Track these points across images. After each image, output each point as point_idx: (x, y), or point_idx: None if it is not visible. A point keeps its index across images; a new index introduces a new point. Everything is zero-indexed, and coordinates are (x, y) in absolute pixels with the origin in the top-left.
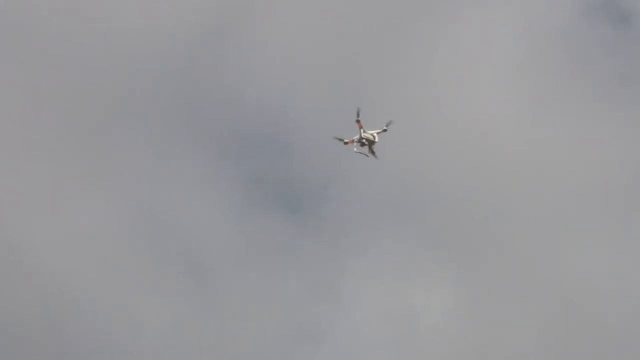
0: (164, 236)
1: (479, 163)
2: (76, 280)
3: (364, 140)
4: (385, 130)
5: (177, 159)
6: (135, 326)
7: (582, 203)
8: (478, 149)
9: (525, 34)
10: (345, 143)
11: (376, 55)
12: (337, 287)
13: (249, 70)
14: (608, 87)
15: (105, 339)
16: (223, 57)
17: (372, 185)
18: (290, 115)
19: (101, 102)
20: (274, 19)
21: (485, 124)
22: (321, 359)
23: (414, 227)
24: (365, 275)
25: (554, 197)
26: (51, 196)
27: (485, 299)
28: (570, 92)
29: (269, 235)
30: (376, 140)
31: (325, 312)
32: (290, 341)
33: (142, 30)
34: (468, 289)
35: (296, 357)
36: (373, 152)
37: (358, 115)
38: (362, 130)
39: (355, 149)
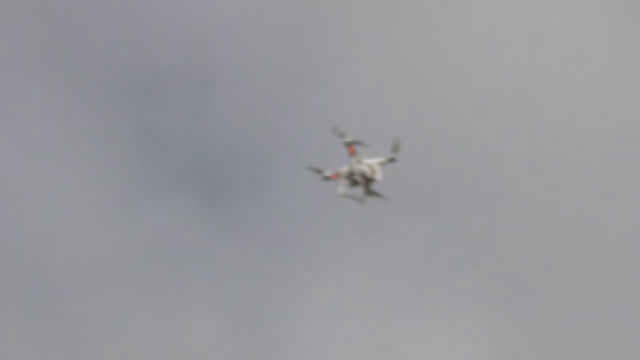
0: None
1: None
2: None
3: (355, 177)
4: (392, 160)
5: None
6: None
7: None
8: None
9: None
10: (326, 178)
11: None
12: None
13: None
14: None
15: None
16: None
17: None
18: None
19: None
20: None
21: None
22: None
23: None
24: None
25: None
26: None
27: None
28: None
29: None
30: (377, 177)
31: None
32: None
33: None
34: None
35: None
36: (371, 193)
37: (343, 135)
38: (354, 158)
39: (341, 190)
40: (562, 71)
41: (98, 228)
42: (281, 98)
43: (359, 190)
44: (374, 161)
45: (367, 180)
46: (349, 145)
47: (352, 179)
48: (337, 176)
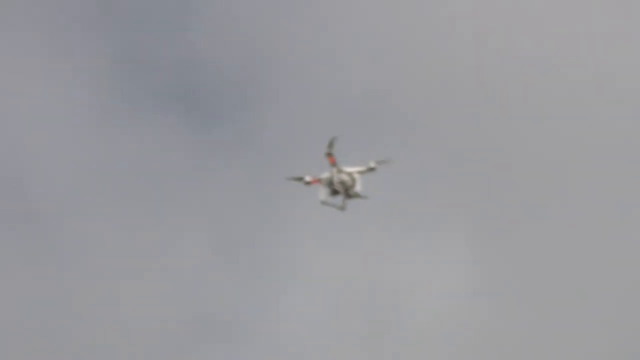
0: None
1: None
2: None
3: (335, 187)
4: (372, 170)
5: None
6: None
7: None
8: None
9: None
10: (307, 183)
11: None
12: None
13: None
14: None
15: None
16: None
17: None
18: None
19: None
20: None
21: None
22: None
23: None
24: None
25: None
26: None
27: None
28: None
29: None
30: (357, 185)
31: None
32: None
33: None
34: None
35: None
36: (352, 196)
37: (331, 146)
38: (335, 168)
39: (321, 197)
40: None
41: (81, 148)
42: (272, 10)
43: (339, 198)
44: (354, 170)
45: (347, 188)
46: (329, 155)
47: (332, 188)
48: (317, 181)
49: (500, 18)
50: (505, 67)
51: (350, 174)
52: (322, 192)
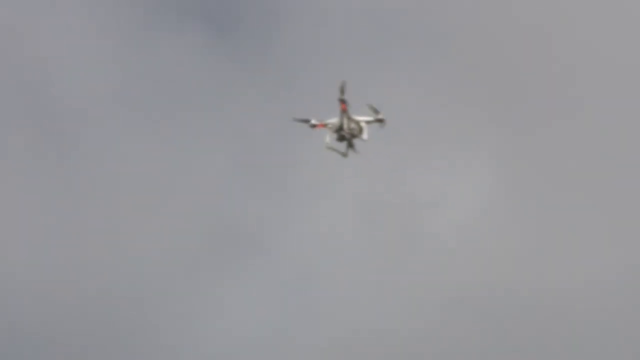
0: None
1: None
2: None
3: (344, 132)
4: (381, 121)
5: None
6: None
7: None
8: None
9: None
10: (313, 126)
11: None
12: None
13: None
14: None
15: None
16: None
17: None
18: None
19: None
20: None
21: None
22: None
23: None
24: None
25: None
26: None
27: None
28: None
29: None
30: (365, 135)
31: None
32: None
33: None
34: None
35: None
36: (351, 146)
37: (342, 92)
38: (345, 115)
39: (327, 140)
40: None
41: (104, 62)
42: None
43: (342, 145)
44: (363, 119)
45: (352, 136)
46: (342, 102)
47: (340, 134)
48: (323, 126)
49: None
50: None
51: (358, 123)
52: (328, 137)
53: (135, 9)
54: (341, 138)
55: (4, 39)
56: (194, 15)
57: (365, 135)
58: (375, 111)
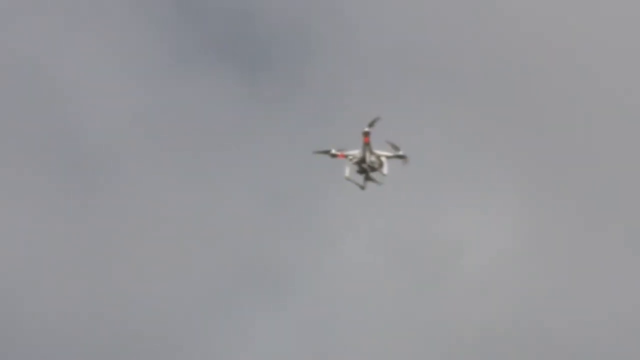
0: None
1: None
2: None
3: (365, 166)
4: (402, 157)
5: None
6: None
7: None
8: None
9: None
10: (334, 155)
11: None
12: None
13: None
14: None
15: None
16: None
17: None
18: None
19: None
20: None
21: None
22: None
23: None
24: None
25: None
26: None
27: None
28: None
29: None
30: (385, 170)
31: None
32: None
33: None
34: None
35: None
36: (371, 179)
37: (371, 125)
38: (367, 148)
39: (347, 172)
40: None
41: (131, 99)
42: None
43: (361, 177)
44: (384, 153)
45: (372, 170)
46: (366, 134)
47: (361, 167)
48: (344, 156)
49: None
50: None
51: (379, 157)
52: (348, 169)
53: (164, 46)
54: (362, 171)
55: (28, 73)
56: (223, 53)
57: (385, 170)
58: (395, 147)
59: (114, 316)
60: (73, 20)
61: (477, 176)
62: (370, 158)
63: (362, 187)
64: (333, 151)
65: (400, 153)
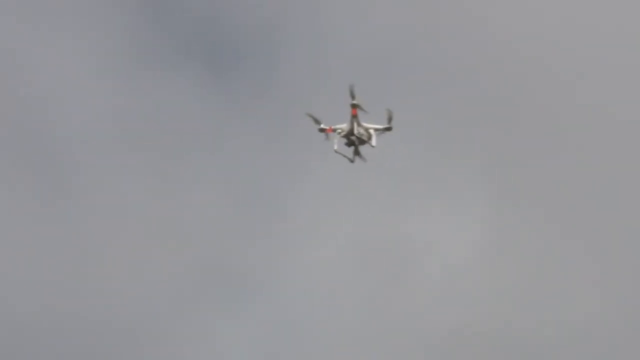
0: None
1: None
2: None
3: (353, 138)
4: (389, 130)
5: None
6: None
7: None
8: None
9: None
10: (322, 130)
11: None
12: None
13: None
14: None
15: None
16: None
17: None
18: None
19: None
20: None
21: None
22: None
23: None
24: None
25: None
26: None
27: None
28: None
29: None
30: (373, 142)
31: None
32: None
33: None
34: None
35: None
36: (359, 153)
37: (353, 96)
38: (355, 121)
39: (335, 146)
40: None
41: (100, 102)
42: None
43: (350, 150)
44: (372, 127)
45: (361, 142)
46: (354, 107)
47: (349, 139)
48: (331, 130)
49: None
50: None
51: (367, 129)
52: (337, 142)
53: (132, 48)
54: (350, 143)
55: None
56: (192, 54)
57: (373, 142)
58: (390, 119)
59: (73, 315)
60: (41, 19)
61: (445, 179)
62: (358, 130)
63: (351, 160)
64: (322, 125)
65: (389, 126)
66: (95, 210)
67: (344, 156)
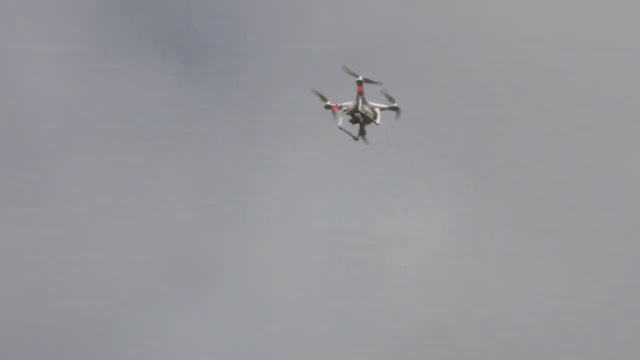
0: None
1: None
2: None
3: (358, 115)
4: (395, 109)
5: None
6: None
7: None
8: None
9: None
10: (328, 107)
11: None
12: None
13: None
14: None
15: None
16: None
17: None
18: None
19: None
20: None
21: None
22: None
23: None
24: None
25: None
26: None
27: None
28: None
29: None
30: (378, 120)
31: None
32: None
33: None
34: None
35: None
36: (364, 133)
37: (354, 73)
38: (360, 98)
39: (340, 122)
40: None
41: (72, 88)
42: None
43: (355, 128)
44: (378, 105)
45: (366, 120)
46: (360, 83)
47: (355, 116)
48: (337, 108)
49: None
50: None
51: (373, 108)
52: (342, 119)
53: (100, 39)
54: (355, 120)
55: None
56: (159, 46)
57: (378, 120)
58: (390, 99)
59: (39, 302)
60: (2, 13)
61: (410, 174)
62: (363, 107)
63: (355, 138)
64: (328, 102)
65: (394, 105)
66: (58, 202)
67: (348, 134)
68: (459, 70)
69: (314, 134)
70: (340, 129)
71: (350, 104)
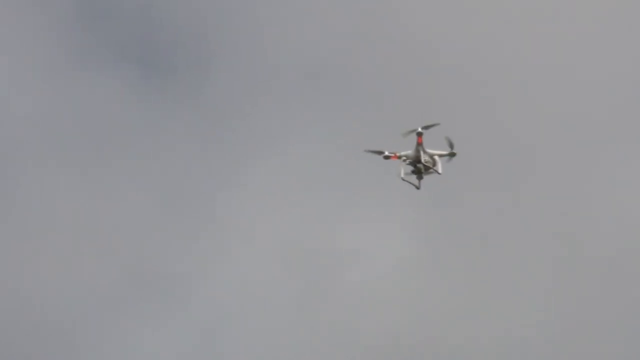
0: None
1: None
2: None
3: (420, 166)
4: (454, 155)
5: None
6: None
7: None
8: None
9: None
10: (387, 157)
11: None
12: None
13: None
14: None
15: None
16: None
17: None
18: None
19: None
20: None
21: None
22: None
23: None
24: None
25: None
26: None
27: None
28: None
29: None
30: (439, 169)
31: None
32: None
33: None
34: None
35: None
36: (421, 179)
37: (427, 127)
38: (420, 148)
39: (402, 174)
40: None
41: (34, 97)
42: None
43: (415, 177)
44: (437, 153)
45: (426, 169)
46: (420, 134)
47: (416, 167)
48: (397, 157)
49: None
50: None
51: (432, 156)
52: (403, 169)
53: (65, 49)
54: (417, 171)
55: None
56: (125, 57)
57: (440, 169)
58: (451, 144)
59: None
60: None
61: (374, 187)
62: (424, 157)
63: (418, 187)
64: (386, 153)
65: (453, 151)
66: (17, 214)
67: (411, 183)
68: (420, 80)
69: (277, 149)
70: (403, 179)
71: (409, 153)
